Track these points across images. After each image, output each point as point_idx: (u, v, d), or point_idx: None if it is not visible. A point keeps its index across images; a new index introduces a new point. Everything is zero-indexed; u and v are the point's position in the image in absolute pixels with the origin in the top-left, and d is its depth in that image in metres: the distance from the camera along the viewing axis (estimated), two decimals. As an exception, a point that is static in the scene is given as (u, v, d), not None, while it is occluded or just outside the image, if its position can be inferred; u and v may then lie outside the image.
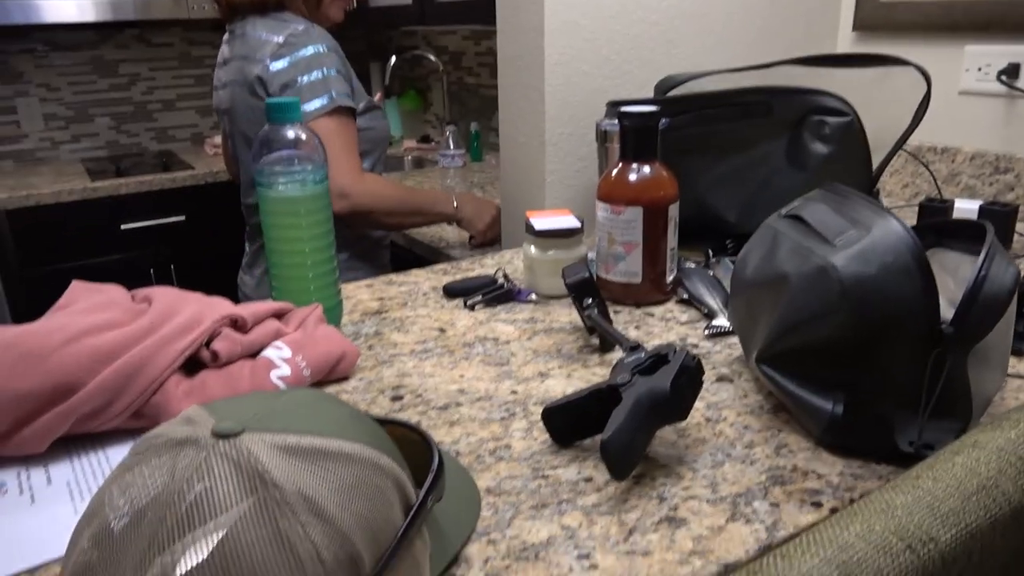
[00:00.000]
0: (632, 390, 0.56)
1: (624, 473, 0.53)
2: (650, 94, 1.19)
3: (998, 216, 0.99)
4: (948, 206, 1.06)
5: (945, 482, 0.41)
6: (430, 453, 0.49)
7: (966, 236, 0.69)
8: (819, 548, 0.38)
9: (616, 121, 1.00)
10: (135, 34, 2.70)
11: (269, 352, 0.70)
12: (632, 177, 0.86)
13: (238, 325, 0.70)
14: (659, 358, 0.60)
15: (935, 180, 1.14)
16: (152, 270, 2.39)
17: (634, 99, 1.03)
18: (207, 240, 2.47)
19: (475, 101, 2.58)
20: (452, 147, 1.78)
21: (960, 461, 0.43)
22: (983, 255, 0.55)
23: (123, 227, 2.31)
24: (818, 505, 0.53)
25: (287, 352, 0.70)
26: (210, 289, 2.56)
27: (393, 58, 2.38)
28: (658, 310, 0.88)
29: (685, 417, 0.57)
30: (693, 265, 0.95)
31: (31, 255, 2.22)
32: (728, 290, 0.89)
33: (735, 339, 0.80)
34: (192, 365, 0.67)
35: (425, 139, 2.77)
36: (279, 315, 0.77)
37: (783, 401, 0.63)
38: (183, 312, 0.68)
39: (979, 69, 1.23)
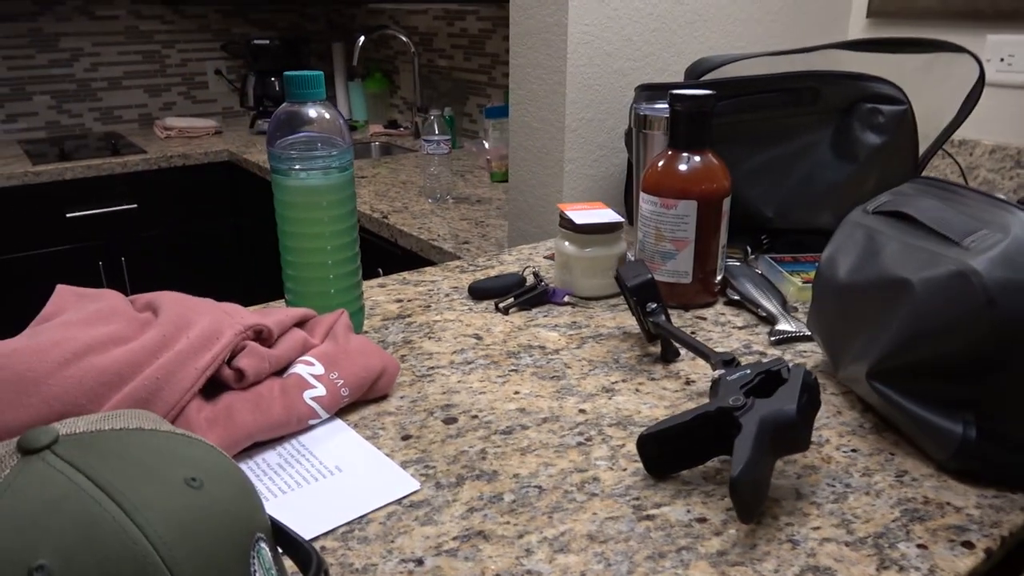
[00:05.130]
0: (752, 414, 0.49)
1: (754, 514, 0.46)
2: (672, 78, 1.12)
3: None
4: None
5: None
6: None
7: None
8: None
9: (657, 105, 0.92)
10: (77, 5, 2.49)
11: (299, 368, 0.60)
12: (683, 167, 0.79)
13: (262, 337, 0.60)
14: (769, 375, 0.53)
15: (963, 173, 1.10)
16: (101, 263, 2.22)
17: (669, 82, 0.95)
18: (161, 229, 2.30)
19: (447, 85, 2.47)
20: (437, 133, 1.67)
21: None
22: None
23: (68, 215, 2.13)
24: (969, 545, 0.46)
25: (319, 368, 0.61)
26: (164, 281, 2.39)
27: (362, 38, 2.26)
28: (708, 313, 0.81)
29: (809, 445, 0.50)
30: (736, 263, 0.88)
31: (-35, 245, 2.03)
32: (780, 290, 0.82)
33: (804, 346, 0.74)
34: (213, 387, 0.57)
35: (392, 124, 2.65)
36: (302, 323, 0.67)
37: (897, 421, 0.56)
38: (197, 322, 0.58)
39: (1001, 60, 1.19)
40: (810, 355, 0.72)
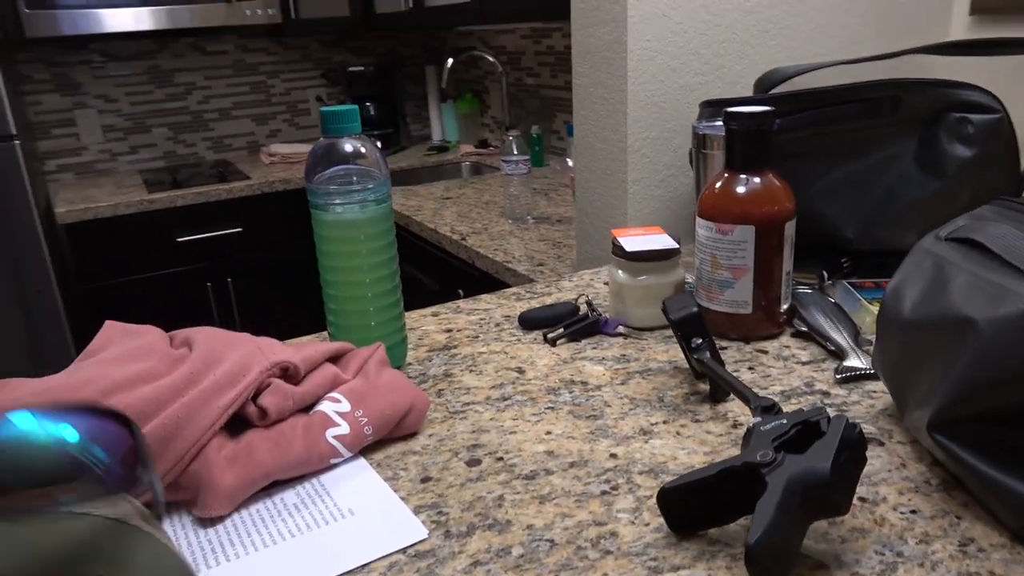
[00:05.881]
0: (779, 473, 0.44)
1: (776, 587, 0.41)
2: (744, 91, 1.06)
3: None
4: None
5: None
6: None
7: None
8: None
9: (717, 123, 0.87)
10: (190, 42, 2.67)
11: (325, 405, 0.60)
12: (740, 190, 0.74)
13: (288, 374, 0.60)
14: (807, 426, 0.48)
15: (1084, 184, 0.98)
16: (209, 284, 2.35)
17: (733, 98, 0.90)
18: (264, 251, 2.41)
19: (535, 103, 2.47)
20: (516, 153, 1.67)
21: None
22: None
23: (179, 239, 2.27)
24: (1040, 635, 0.40)
25: (345, 405, 0.60)
26: (268, 302, 2.49)
27: (450, 60, 2.29)
28: (771, 345, 0.76)
29: (848, 510, 0.45)
30: (808, 290, 0.82)
31: (90, 270, 2.20)
32: (853, 321, 0.76)
33: (874, 384, 0.67)
34: (238, 423, 0.57)
35: (483, 143, 2.67)
36: (337, 357, 0.67)
37: (964, 480, 0.50)
38: (227, 359, 0.59)
39: None
40: (880, 396, 0.65)
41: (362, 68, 2.66)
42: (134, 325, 0.64)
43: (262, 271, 2.42)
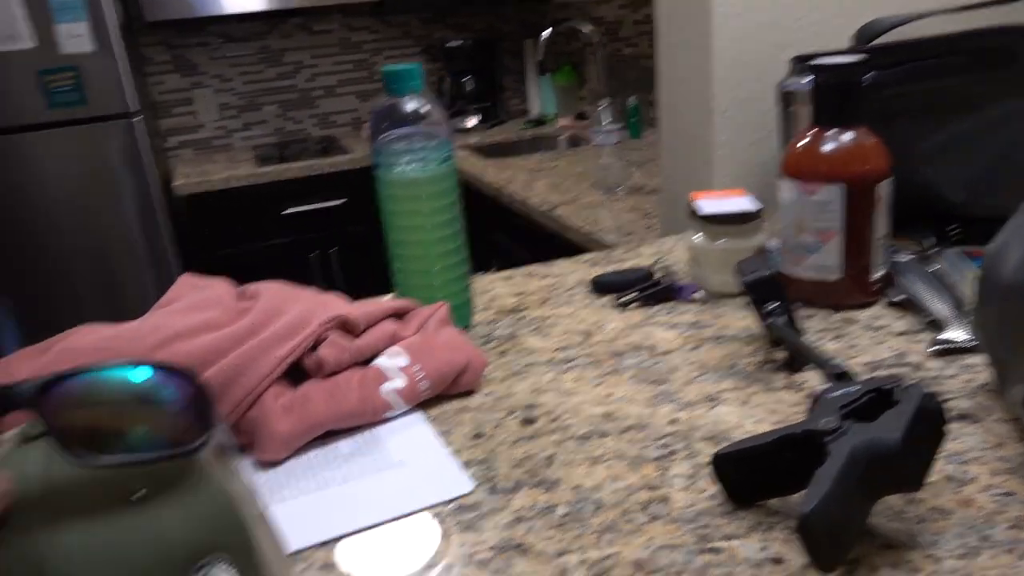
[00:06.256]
0: (843, 442, 0.40)
1: (833, 562, 0.38)
2: (846, 46, 0.98)
3: None
4: None
5: None
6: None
7: None
8: None
9: (805, 79, 0.81)
10: (298, 23, 2.76)
11: (382, 360, 0.60)
12: (828, 147, 0.68)
13: (348, 328, 0.61)
14: (880, 394, 0.44)
15: None
16: (313, 254, 2.43)
17: (825, 51, 0.83)
18: (366, 223, 2.48)
19: (634, 73, 2.40)
20: (605, 123, 1.63)
21: None
22: None
23: (284, 212, 2.37)
24: None
25: (403, 360, 0.60)
26: (370, 270, 2.56)
27: (544, 33, 2.26)
28: (862, 315, 0.70)
29: (921, 485, 0.40)
30: (908, 258, 0.75)
31: (206, 240, 2.32)
32: (957, 291, 0.69)
33: (974, 359, 0.60)
34: (297, 374, 0.58)
35: (581, 116, 2.63)
36: (399, 315, 0.67)
37: (1069, 461, 0.44)
38: (288, 312, 0.60)
39: None
40: (981, 370, 0.59)
41: (460, 43, 2.67)
42: (205, 279, 0.67)
43: (364, 241, 2.49)
